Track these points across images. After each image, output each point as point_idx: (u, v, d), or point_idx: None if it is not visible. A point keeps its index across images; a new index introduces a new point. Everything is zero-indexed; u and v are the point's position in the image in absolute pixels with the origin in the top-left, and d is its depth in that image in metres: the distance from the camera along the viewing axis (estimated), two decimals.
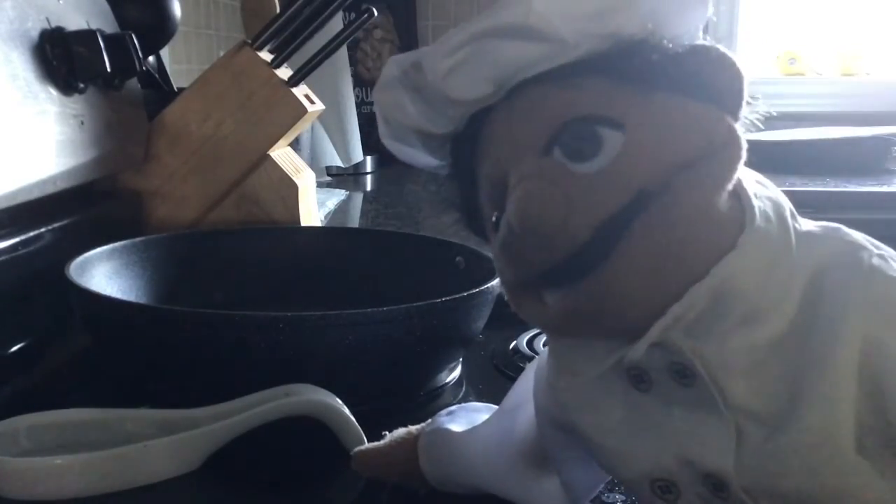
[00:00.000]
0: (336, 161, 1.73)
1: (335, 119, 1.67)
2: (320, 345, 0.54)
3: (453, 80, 0.33)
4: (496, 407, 0.45)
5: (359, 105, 1.82)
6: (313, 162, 1.68)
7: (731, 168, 0.30)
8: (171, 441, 0.49)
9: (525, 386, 0.42)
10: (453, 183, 0.38)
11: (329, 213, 1.32)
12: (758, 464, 0.29)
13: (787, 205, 0.32)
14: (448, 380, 0.64)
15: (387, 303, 0.56)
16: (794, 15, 2.23)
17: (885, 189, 1.44)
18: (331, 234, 0.96)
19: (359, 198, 1.60)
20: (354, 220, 1.41)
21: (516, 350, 0.69)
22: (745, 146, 0.31)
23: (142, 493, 0.47)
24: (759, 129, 0.32)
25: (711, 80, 0.31)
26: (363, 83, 2.01)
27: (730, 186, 0.30)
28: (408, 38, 2.07)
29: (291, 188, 0.91)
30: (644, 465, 0.32)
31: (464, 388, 0.64)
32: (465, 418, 0.45)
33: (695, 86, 0.31)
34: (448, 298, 0.58)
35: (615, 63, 0.31)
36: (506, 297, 0.35)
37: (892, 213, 1.33)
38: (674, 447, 0.31)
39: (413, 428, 0.47)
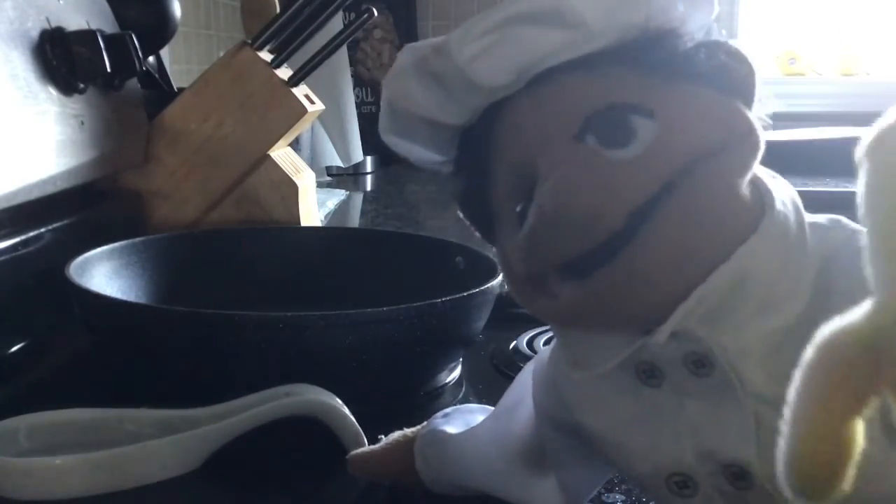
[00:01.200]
0: (336, 161, 1.73)
1: (335, 119, 1.67)
2: (320, 345, 0.54)
3: (479, 65, 0.32)
4: (492, 408, 0.45)
5: (359, 105, 1.82)
6: (313, 162, 1.68)
7: (752, 157, 0.31)
8: (171, 441, 0.49)
9: (522, 386, 0.42)
10: (458, 179, 0.37)
11: (329, 213, 1.32)
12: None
13: (797, 196, 0.33)
14: (448, 380, 0.64)
15: (387, 303, 0.56)
16: (794, 15, 2.23)
17: None
18: (331, 234, 0.96)
19: (359, 198, 1.60)
20: (354, 220, 1.41)
21: (516, 350, 0.69)
22: (763, 137, 0.31)
23: (142, 493, 0.47)
24: (768, 126, 0.33)
25: (729, 73, 0.32)
26: (363, 83, 2.01)
27: (749, 175, 0.30)
28: (408, 39, 2.07)
29: (291, 188, 0.91)
30: (660, 461, 0.32)
31: (464, 388, 0.64)
32: (460, 420, 0.45)
33: (715, 78, 0.32)
34: (448, 298, 0.58)
35: (641, 53, 0.31)
36: (511, 292, 0.34)
37: None
38: (690, 440, 0.31)
39: (409, 430, 0.47)
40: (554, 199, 0.30)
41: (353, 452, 0.47)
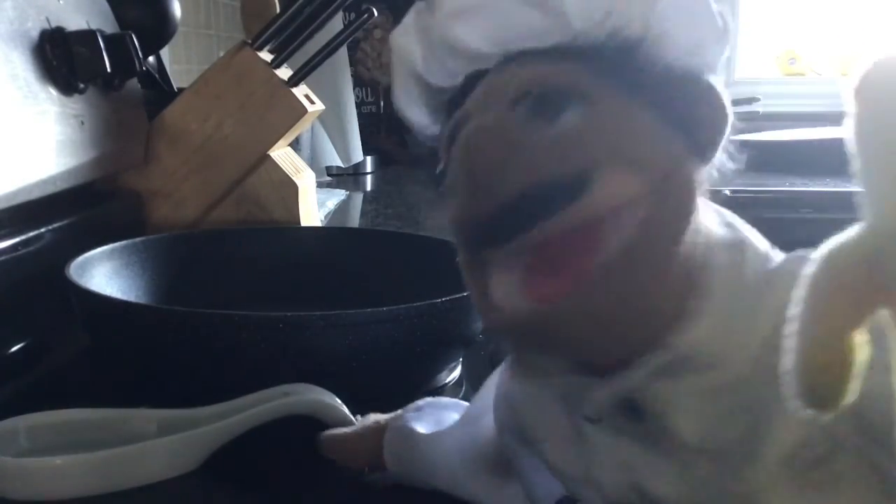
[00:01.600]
0: (336, 161, 1.73)
1: (335, 119, 1.67)
2: (320, 345, 0.54)
3: (459, 24, 0.32)
4: (465, 403, 0.46)
5: (359, 105, 1.82)
6: (313, 162, 1.68)
7: (688, 212, 0.29)
8: (171, 441, 0.49)
9: (488, 395, 0.42)
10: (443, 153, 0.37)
11: (329, 213, 1.32)
12: (706, 494, 0.29)
13: (751, 245, 0.30)
14: (448, 380, 0.64)
15: (387, 303, 0.56)
16: (794, 15, 2.23)
17: None
18: (331, 234, 0.96)
19: (359, 198, 1.60)
20: (354, 220, 1.41)
21: None
22: (696, 202, 0.30)
23: (142, 493, 0.47)
24: (726, 179, 0.31)
25: (693, 110, 0.30)
26: (363, 83, 2.01)
27: (686, 236, 0.29)
28: None
29: (291, 188, 0.91)
30: (603, 490, 0.32)
31: (464, 388, 0.64)
32: (432, 417, 0.46)
33: (676, 110, 0.30)
34: (448, 298, 0.58)
35: (609, 58, 0.30)
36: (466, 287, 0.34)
37: None
38: (626, 475, 0.31)
39: (381, 417, 0.48)
40: (462, 144, 0.29)
41: (325, 434, 0.48)
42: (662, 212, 0.28)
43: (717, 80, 0.31)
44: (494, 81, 0.32)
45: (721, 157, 0.31)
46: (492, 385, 0.41)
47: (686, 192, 0.29)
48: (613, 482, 0.32)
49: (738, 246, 0.30)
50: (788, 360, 0.20)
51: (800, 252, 0.30)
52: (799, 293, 0.20)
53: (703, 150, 0.31)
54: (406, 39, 0.35)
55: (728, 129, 0.31)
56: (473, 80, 0.33)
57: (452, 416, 0.45)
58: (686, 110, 0.30)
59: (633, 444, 0.31)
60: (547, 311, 0.29)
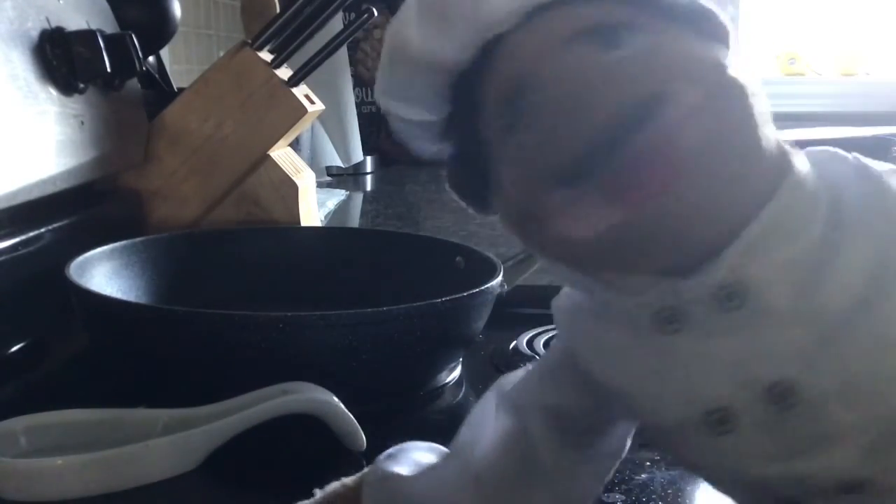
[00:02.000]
0: (336, 161, 1.73)
1: (335, 119, 1.67)
2: (320, 345, 0.54)
3: None
4: (437, 446, 0.43)
5: (359, 105, 1.82)
6: (313, 162, 1.68)
7: (744, 109, 0.30)
8: (171, 440, 0.49)
9: (479, 421, 0.40)
10: (449, 141, 0.37)
11: (329, 213, 1.32)
12: (825, 361, 0.29)
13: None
14: (448, 380, 0.64)
15: (387, 303, 0.56)
16: (794, 15, 2.23)
17: None
18: (331, 234, 0.96)
19: (359, 198, 1.60)
20: (354, 220, 1.41)
21: (516, 350, 0.69)
22: (752, 93, 0.31)
23: (142, 493, 0.47)
24: None
25: (711, 28, 0.32)
26: (363, 83, 2.00)
27: (753, 127, 0.30)
28: None
29: (291, 188, 0.91)
30: (693, 402, 0.31)
31: (464, 388, 0.64)
32: (408, 460, 0.42)
33: (700, 29, 0.32)
34: (448, 298, 0.58)
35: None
36: (516, 233, 0.33)
37: None
38: (725, 374, 0.31)
39: (347, 480, 0.43)
40: (544, 93, 0.30)
41: None
42: (727, 110, 0.30)
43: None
44: (538, 32, 0.32)
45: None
46: (486, 410, 0.40)
47: (740, 88, 0.31)
48: (710, 383, 0.31)
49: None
50: None
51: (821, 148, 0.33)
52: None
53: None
54: (405, 25, 0.35)
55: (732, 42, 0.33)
56: (489, 47, 0.33)
57: (429, 457, 0.42)
58: (707, 29, 0.32)
59: (734, 336, 0.30)
60: (642, 218, 0.29)
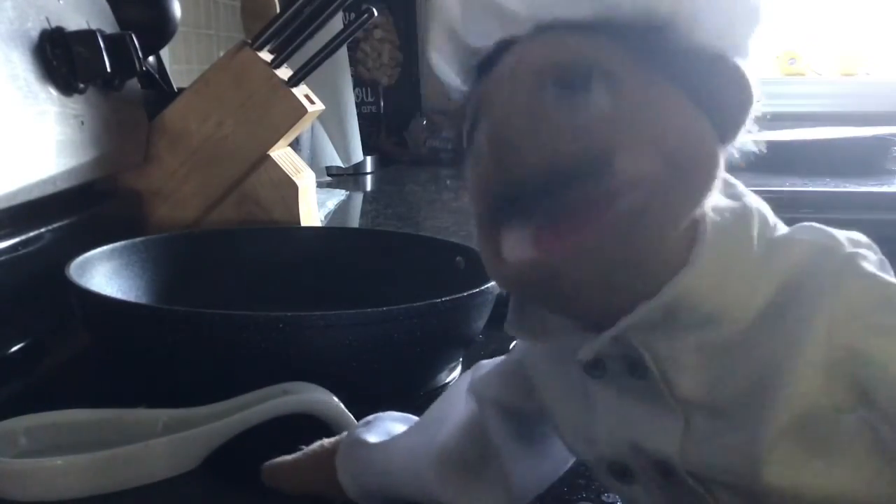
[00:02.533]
0: (336, 161, 1.72)
1: (335, 119, 1.67)
2: (320, 345, 0.54)
3: None
4: (413, 417, 0.46)
5: (359, 105, 1.82)
6: (313, 162, 1.68)
7: (703, 191, 0.30)
8: (171, 440, 0.49)
9: (451, 399, 0.43)
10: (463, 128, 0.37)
11: (329, 213, 1.32)
12: (703, 451, 0.30)
13: (758, 213, 0.31)
14: (448, 380, 0.64)
15: (387, 303, 0.56)
16: (794, 15, 2.23)
17: (885, 189, 1.44)
18: (331, 234, 0.96)
19: (359, 198, 1.60)
20: (354, 220, 1.41)
21: None
22: (720, 176, 0.31)
23: (142, 493, 0.47)
24: (760, 130, 0.32)
25: (719, 91, 0.31)
26: (363, 83, 2.00)
27: (697, 210, 0.30)
28: (408, 39, 2.07)
29: (291, 188, 0.91)
30: (601, 449, 0.33)
31: None
32: (381, 429, 0.45)
33: (706, 93, 0.30)
34: (448, 298, 0.58)
35: (638, 36, 0.31)
36: (477, 244, 0.34)
37: (892, 213, 1.33)
38: (626, 433, 0.32)
39: (327, 441, 0.46)
40: (495, 113, 0.30)
41: (269, 462, 0.46)
42: (678, 186, 0.29)
43: (745, 62, 0.31)
44: (524, 52, 0.32)
45: (743, 138, 0.32)
46: (458, 390, 0.42)
47: (705, 170, 0.30)
48: (612, 439, 0.33)
49: (743, 210, 0.31)
50: None
51: (806, 223, 0.31)
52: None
53: (727, 130, 0.31)
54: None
55: (752, 111, 0.31)
56: (503, 47, 0.33)
57: (402, 428, 0.45)
58: (713, 90, 0.31)
59: (635, 402, 0.32)
60: (553, 263, 0.30)
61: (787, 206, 0.34)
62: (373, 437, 0.44)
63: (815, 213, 1.29)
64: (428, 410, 0.44)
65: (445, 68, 0.36)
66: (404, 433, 0.44)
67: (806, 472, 0.28)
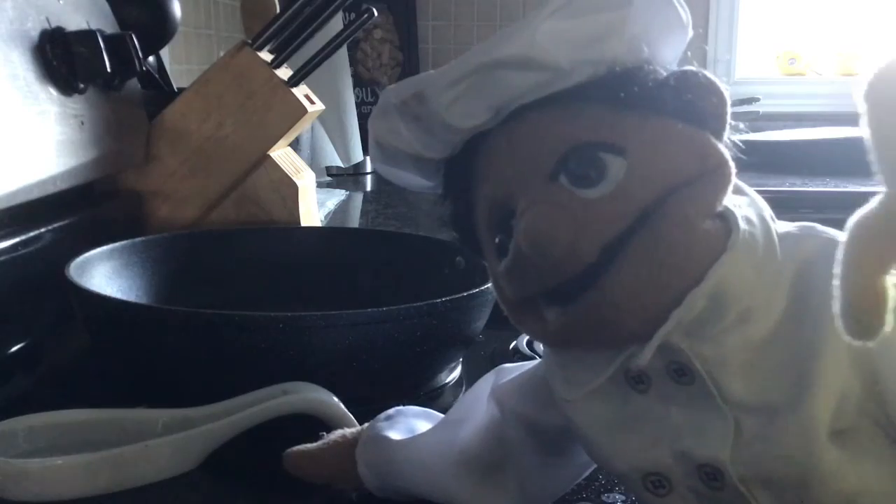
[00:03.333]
0: (336, 161, 1.72)
1: (335, 119, 1.67)
2: (320, 345, 0.54)
3: (456, 109, 0.34)
4: (434, 412, 0.46)
5: (359, 105, 1.82)
6: (313, 162, 1.68)
7: (723, 189, 0.32)
8: (171, 441, 0.49)
9: (472, 401, 0.43)
10: (446, 203, 0.39)
11: (329, 213, 1.32)
12: (755, 452, 0.31)
13: (766, 208, 0.34)
14: (448, 380, 0.64)
15: (387, 303, 0.56)
16: (794, 15, 2.23)
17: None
18: (331, 234, 0.96)
19: (359, 198, 1.60)
20: (354, 220, 1.41)
21: (516, 350, 0.69)
22: (733, 168, 0.33)
23: (142, 493, 0.47)
24: (750, 132, 0.34)
25: (699, 105, 0.33)
26: (363, 83, 2.00)
27: (720, 205, 0.32)
28: (408, 38, 2.07)
29: (291, 188, 0.91)
30: (638, 460, 0.34)
31: (464, 388, 0.64)
32: (403, 425, 0.46)
33: (686, 110, 0.33)
34: (448, 298, 0.58)
35: (612, 89, 0.33)
36: (505, 311, 0.36)
37: None
38: (669, 442, 0.33)
39: (348, 431, 0.47)
40: (528, 237, 0.31)
41: (289, 450, 0.47)
42: (703, 195, 0.32)
43: (700, 68, 0.34)
44: (519, 151, 0.33)
45: (728, 133, 0.34)
46: (479, 393, 0.43)
47: (721, 173, 0.32)
48: (654, 450, 0.33)
49: (751, 204, 0.33)
50: (835, 303, 0.25)
51: (806, 223, 0.33)
52: (839, 252, 0.25)
53: (719, 134, 0.33)
54: (390, 123, 0.37)
55: (729, 109, 0.34)
56: (474, 142, 0.35)
57: (424, 425, 0.45)
58: (696, 105, 0.33)
59: (681, 410, 0.32)
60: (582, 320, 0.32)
61: (786, 206, 0.35)
62: (395, 434, 0.44)
63: (815, 213, 1.29)
64: (450, 411, 0.45)
65: (408, 178, 0.39)
66: (426, 433, 0.44)
67: (853, 463, 0.29)
